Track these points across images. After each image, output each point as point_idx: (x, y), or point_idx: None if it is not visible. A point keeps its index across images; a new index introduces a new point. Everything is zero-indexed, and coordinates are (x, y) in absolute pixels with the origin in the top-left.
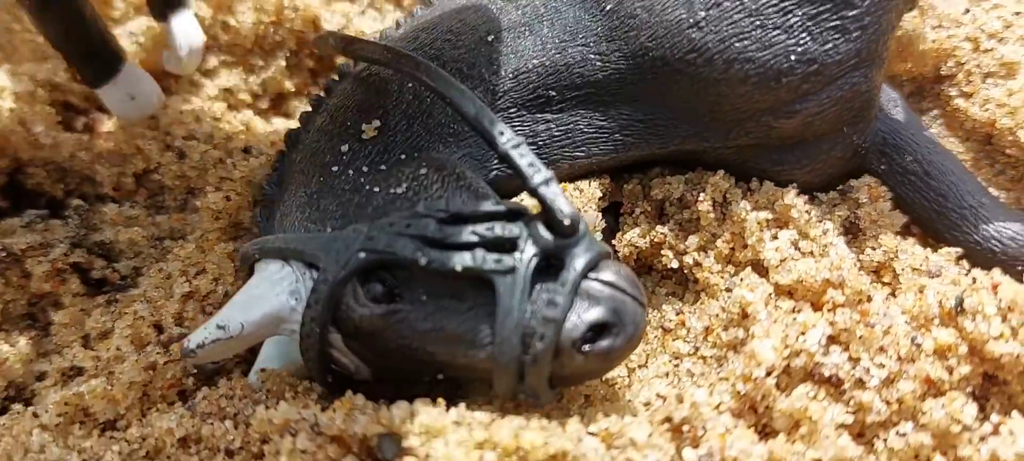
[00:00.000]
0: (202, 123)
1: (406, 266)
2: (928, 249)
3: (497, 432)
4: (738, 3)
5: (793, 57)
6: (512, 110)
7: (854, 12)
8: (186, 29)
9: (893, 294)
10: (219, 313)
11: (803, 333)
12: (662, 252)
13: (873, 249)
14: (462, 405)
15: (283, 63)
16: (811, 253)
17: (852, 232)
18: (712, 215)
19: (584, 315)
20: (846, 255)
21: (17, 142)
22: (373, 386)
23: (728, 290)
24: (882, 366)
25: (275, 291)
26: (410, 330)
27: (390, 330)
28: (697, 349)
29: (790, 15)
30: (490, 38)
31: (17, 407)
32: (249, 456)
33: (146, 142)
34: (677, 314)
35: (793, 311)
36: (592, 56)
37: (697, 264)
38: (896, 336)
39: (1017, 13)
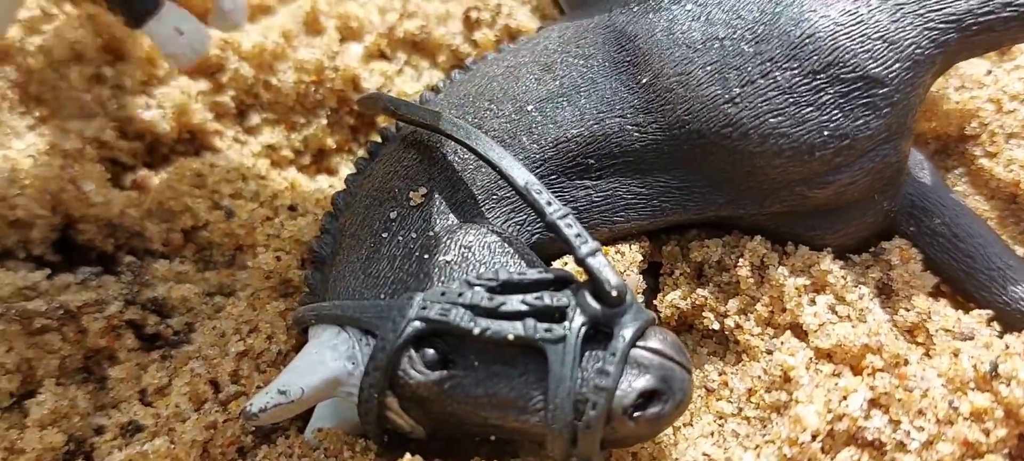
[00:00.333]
0: (248, 181)
1: (459, 334)
2: (959, 311)
3: None
4: (771, 80)
5: (826, 133)
6: (553, 177)
7: (884, 90)
8: None
9: (928, 354)
10: (279, 378)
11: (845, 398)
12: (703, 314)
13: (907, 310)
14: None
15: (324, 121)
16: (848, 317)
17: (885, 293)
18: (751, 279)
19: (635, 383)
20: (882, 319)
21: (68, 200)
22: (426, 443)
23: (769, 352)
24: (922, 429)
25: (333, 357)
26: (464, 395)
27: (445, 395)
28: (741, 409)
29: (822, 93)
30: (529, 107)
31: None
32: None
33: (194, 200)
34: (719, 375)
35: (834, 375)
36: (629, 127)
37: (738, 327)
38: (934, 399)
39: None
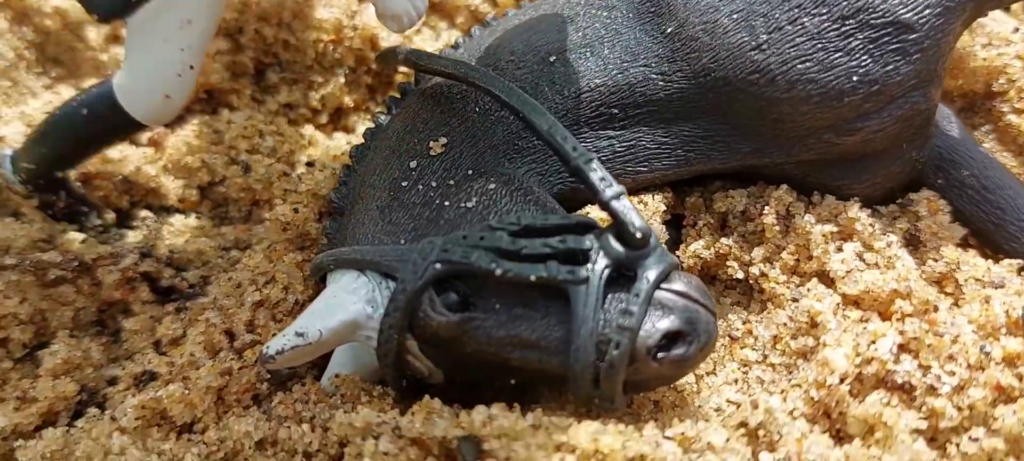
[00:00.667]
0: (265, 138)
1: (480, 276)
2: (989, 261)
3: (575, 436)
4: (800, 26)
5: (855, 78)
6: (576, 128)
7: (914, 35)
8: None
9: (957, 304)
10: (297, 321)
11: (874, 342)
12: (727, 263)
13: (935, 261)
14: (538, 410)
15: (342, 80)
16: (876, 265)
17: (913, 244)
18: (776, 228)
19: (658, 324)
20: (911, 266)
21: None
22: (444, 389)
23: (794, 300)
24: (952, 373)
25: (352, 299)
26: (485, 337)
27: (466, 336)
28: (766, 356)
29: (851, 38)
30: (552, 59)
31: (93, 411)
32: (327, 458)
33: (211, 156)
34: (744, 323)
35: (862, 320)
36: (654, 76)
37: (763, 275)
38: (965, 345)
39: None
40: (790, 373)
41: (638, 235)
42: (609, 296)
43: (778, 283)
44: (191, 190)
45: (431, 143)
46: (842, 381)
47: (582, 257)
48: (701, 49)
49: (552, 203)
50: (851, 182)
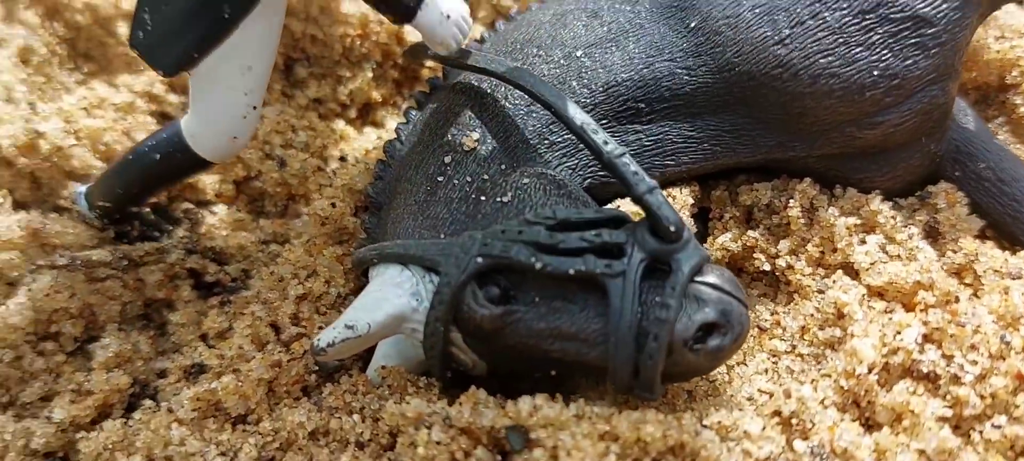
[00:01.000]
0: (298, 133)
1: (520, 270)
2: (1007, 252)
3: (618, 425)
4: (821, 21)
5: (875, 72)
6: (603, 122)
7: (933, 30)
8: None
9: (976, 295)
10: (346, 314)
11: (899, 332)
12: (754, 256)
13: (954, 252)
14: (581, 400)
15: (370, 74)
16: (899, 256)
17: (932, 236)
18: (801, 220)
19: (694, 316)
20: (933, 258)
21: (121, 152)
22: (487, 381)
23: (821, 291)
24: (975, 363)
25: (397, 293)
26: (527, 329)
27: (508, 329)
28: (794, 347)
29: (871, 33)
30: (578, 53)
31: (147, 403)
32: (378, 448)
33: (246, 151)
34: (772, 314)
35: (887, 311)
36: (679, 70)
37: (789, 267)
38: (986, 335)
39: None
40: (818, 363)
41: (672, 229)
42: (645, 289)
43: (804, 275)
44: (227, 185)
45: (464, 138)
46: (870, 371)
47: (617, 251)
48: (725, 44)
49: (585, 197)
50: (872, 175)
